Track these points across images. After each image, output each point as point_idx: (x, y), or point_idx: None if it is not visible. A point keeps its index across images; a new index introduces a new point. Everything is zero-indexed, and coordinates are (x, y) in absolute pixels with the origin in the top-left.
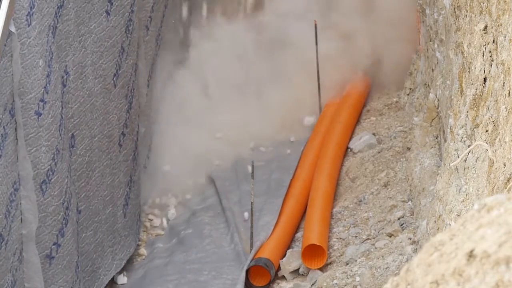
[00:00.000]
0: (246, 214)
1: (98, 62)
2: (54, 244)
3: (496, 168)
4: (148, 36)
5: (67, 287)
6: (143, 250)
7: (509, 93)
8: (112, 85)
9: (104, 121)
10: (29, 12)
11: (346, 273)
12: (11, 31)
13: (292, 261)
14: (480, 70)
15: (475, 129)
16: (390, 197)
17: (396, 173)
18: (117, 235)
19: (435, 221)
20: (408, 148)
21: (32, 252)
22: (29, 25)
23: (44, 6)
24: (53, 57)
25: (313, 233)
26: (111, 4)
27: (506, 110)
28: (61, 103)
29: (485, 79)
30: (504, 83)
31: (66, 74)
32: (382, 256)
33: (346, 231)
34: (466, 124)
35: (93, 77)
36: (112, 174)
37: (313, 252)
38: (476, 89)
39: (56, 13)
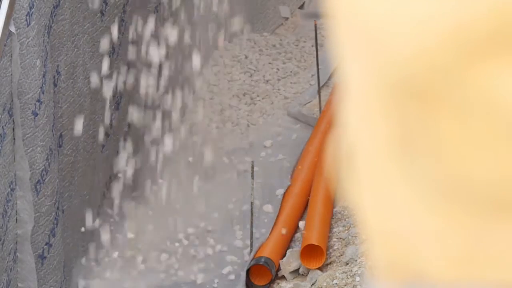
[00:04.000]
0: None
1: (89, 62)
2: (46, 244)
3: None
4: None
5: (57, 287)
6: None
7: None
8: (100, 85)
9: (90, 121)
10: (28, 12)
11: (346, 273)
12: (11, 31)
13: (292, 261)
14: None
15: None
16: None
17: None
18: (92, 236)
19: None
20: None
21: (26, 252)
22: (28, 25)
23: (42, 6)
24: (48, 57)
25: (313, 233)
26: (106, 4)
27: None
28: (53, 103)
29: None
30: None
31: (57, 74)
32: None
33: (346, 231)
34: None
35: (83, 77)
36: (93, 174)
37: (312, 252)
38: None
39: (51, 13)
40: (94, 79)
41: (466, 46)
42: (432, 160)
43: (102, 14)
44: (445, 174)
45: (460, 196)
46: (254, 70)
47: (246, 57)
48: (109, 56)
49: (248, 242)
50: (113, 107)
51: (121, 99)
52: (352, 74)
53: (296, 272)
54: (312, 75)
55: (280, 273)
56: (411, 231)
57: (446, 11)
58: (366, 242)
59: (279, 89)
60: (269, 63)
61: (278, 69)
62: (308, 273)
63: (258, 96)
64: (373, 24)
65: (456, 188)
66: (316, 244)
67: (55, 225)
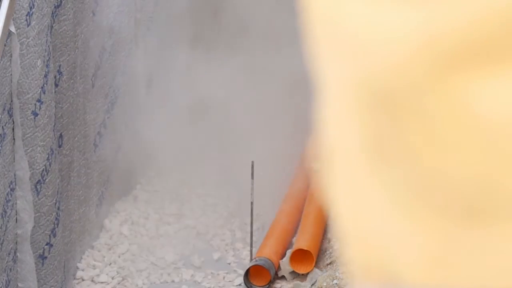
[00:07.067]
0: None
1: (84, 62)
2: (46, 244)
3: None
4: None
5: (57, 287)
6: None
7: None
8: (90, 85)
9: (82, 121)
10: (28, 12)
11: (346, 273)
12: (11, 31)
13: None
14: None
15: None
16: None
17: None
18: (87, 235)
19: None
20: None
21: (26, 252)
22: (28, 25)
23: (44, 6)
24: (50, 57)
25: (303, 238)
26: (97, 4)
27: None
28: (54, 103)
29: None
30: None
31: (59, 74)
32: None
33: None
34: None
35: (80, 77)
36: (86, 174)
37: (303, 256)
38: None
39: (53, 13)
40: (86, 79)
41: (437, 59)
42: (404, 166)
43: (94, 14)
44: (416, 179)
45: (432, 200)
46: None
47: None
48: (99, 56)
49: (248, 243)
50: (106, 106)
51: (116, 99)
52: (328, 78)
53: (296, 272)
54: None
55: (280, 273)
56: (385, 233)
57: (418, 22)
58: (341, 244)
59: None
60: None
61: None
62: (308, 273)
63: None
64: (350, 31)
65: (427, 192)
66: (305, 249)
67: (55, 225)
